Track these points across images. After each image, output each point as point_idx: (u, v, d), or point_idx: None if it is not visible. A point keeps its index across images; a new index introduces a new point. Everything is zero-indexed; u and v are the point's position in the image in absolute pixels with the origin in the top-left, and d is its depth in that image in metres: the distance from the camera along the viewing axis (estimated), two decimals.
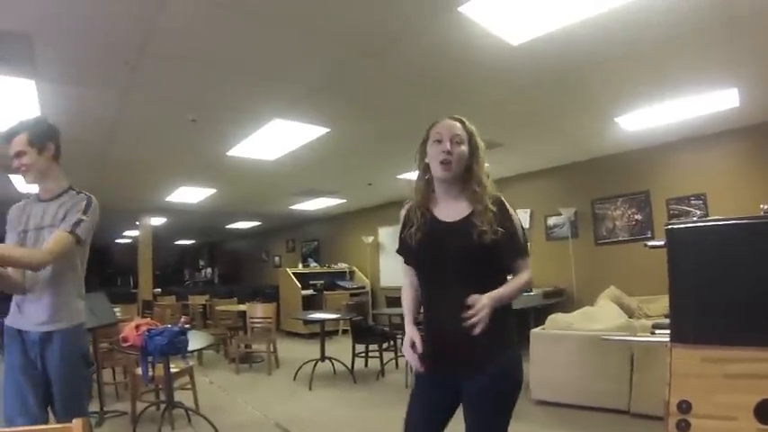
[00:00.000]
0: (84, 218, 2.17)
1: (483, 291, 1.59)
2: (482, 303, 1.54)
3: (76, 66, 3.54)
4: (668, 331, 1.77)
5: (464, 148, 1.73)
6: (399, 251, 1.87)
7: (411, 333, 1.71)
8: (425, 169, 1.81)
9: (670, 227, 1.73)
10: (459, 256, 1.69)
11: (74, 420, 1.11)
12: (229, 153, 6.03)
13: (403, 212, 1.86)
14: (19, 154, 2.19)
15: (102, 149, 5.67)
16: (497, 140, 5.83)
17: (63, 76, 3.68)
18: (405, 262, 1.87)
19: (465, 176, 1.75)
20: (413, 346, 1.67)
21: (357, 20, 3.13)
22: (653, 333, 2.53)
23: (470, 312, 1.52)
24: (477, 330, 1.51)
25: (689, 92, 4.50)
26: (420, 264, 1.80)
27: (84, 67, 3.57)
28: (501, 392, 1.68)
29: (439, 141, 1.72)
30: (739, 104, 4.80)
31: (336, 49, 3.52)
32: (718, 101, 4.72)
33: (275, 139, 5.52)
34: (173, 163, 6.60)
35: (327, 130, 5.29)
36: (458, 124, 1.76)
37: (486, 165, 1.79)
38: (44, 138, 2.24)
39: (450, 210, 1.76)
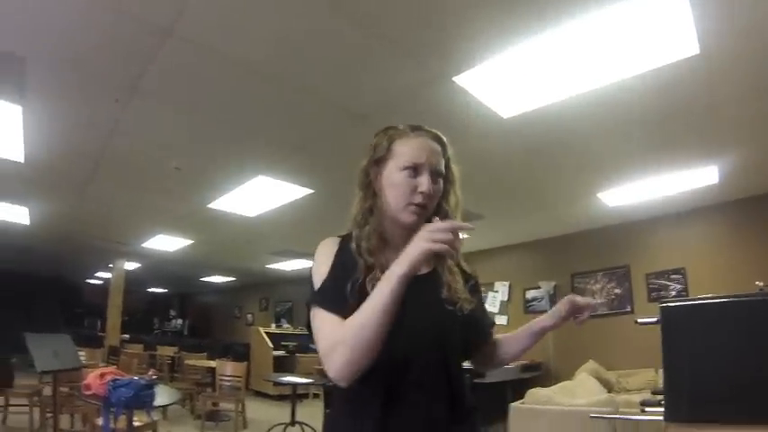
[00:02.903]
0: None
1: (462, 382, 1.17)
2: None
3: (67, 96, 3.47)
4: (660, 409, 1.72)
5: (441, 183, 1.22)
6: (332, 301, 1.05)
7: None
8: (374, 196, 1.23)
9: (665, 305, 1.71)
10: (443, 323, 1.14)
11: None
12: (211, 205, 5.97)
13: (333, 247, 1.20)
14: None
15: (82, 184, 5.49)
16: (479, 212, 5.87)
17: (51, 104, 3.60)
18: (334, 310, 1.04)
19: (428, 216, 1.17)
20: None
21: (352, 83, 3.19)
22: (643, 411, 2.47)
23: None
24: None
25: (671, 169, 4.62)
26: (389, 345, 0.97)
27: (74, 99, 3.51)
28: None
29: (414, 170, 1.14)
30: (718, 181, 4.92)
31: (328, 110, 3.56)
32: (698, 178, 4.85)
33: (258, 195, 5.50)
34: (152, 208, 6.47)
35: (311, 191, 5.27)
36: (439, 148, 1.22)
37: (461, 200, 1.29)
38: None
39: None
